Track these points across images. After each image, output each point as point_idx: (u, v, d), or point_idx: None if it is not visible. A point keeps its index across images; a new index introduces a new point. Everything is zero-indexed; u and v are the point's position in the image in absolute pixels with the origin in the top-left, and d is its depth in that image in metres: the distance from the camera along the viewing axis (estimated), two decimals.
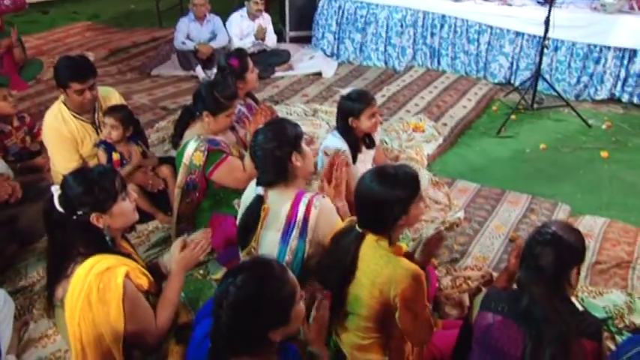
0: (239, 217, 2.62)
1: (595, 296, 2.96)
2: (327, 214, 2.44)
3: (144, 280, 2.21)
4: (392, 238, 2.14)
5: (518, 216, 3.73)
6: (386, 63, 6.68)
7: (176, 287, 2.30)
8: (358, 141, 3.34)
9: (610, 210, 3.88)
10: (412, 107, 5.42)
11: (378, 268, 2.09)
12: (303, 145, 2.50)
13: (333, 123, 4.82)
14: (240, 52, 3.80)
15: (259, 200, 2.48)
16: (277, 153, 2.41)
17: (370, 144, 3.43)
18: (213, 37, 6.34)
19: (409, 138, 4.71)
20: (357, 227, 2.19)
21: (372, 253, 2.13)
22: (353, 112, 3.24)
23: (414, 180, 2.15)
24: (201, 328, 1.98)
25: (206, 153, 3.04)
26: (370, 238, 2.16)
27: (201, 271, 3.19)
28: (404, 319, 2.11)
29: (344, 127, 3.29)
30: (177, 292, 2.31)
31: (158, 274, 2.41)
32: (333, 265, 2.21)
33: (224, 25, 6.38)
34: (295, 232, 2.40)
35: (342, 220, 2.55)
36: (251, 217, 2.49)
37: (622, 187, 4.20)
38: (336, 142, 3.29)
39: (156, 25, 8.49)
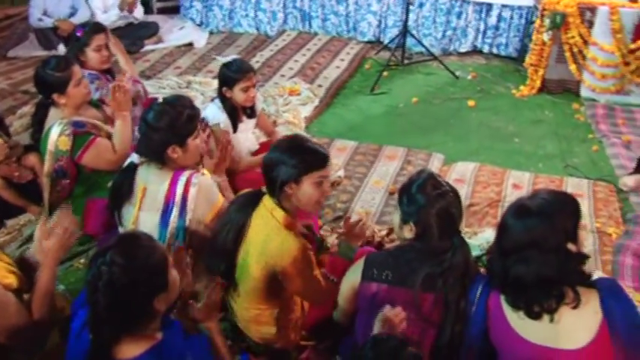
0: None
1: (471, 236, 3.13)
2: (207, 191, 2.39)
3: (12, 279, 2.06)
4: (284, 207, 2.12)
5: (396, 169, 3.86)
6: (257, 29, 6.57)
7: (48, 279, 2.12)
8: (237, 110, 3.25)
9: (479, 155, 4.11)
10: (287, 71, 5.41)
11: (268, 240, 2.08)
12: (191, 140, 2.38)
13: (209, 94, 4.76)
14: (92, 26, 3.55)
15: (132, 168, 2.39)
16: (156, 137, 2.31)
17: (251, 114, 3.36)
18: (74, 11, 5.92)
19: (285, 102, 4.71)
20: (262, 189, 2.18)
21: (264, 223, 2.11)
22: (227, 83, 3.16)
23: (317, 156, 2.11)
24: (78, 318, 1.88)
25: (72, 137, 2.84)
26: (264, 209, 2.13)
27: (82, 260, 3.02)
28: (294, 289, 2.14)
29: (221, 96, 3.22)
30: (50, 284, 2.14)
31: (29, 269, 2.25)
32: (226, 227, 2.18)
33: None
34: (175, 212, 2.34)
35: (223, 195, 2.51)
36: (122, 185, 2.40)
37: (488, 133, 4.46)
38: (215, 111, 3.20)
39: (7, 3, 7.84)
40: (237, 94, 3.17)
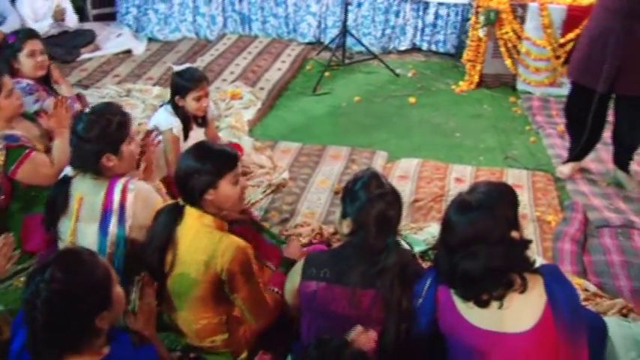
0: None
1: (417, 232, 3.18)
2: (145, 196, 2.35)
3: None
4: (209, 212, 2.13)
5: (340, 168, 3.89)
6: (197, 33, 6.48)
7: None
8: (189, 119, 3.25)
9: (422, 151, 4.18)
10: (228, 75, 5.37)
11: (202, 245, 2.07)
12: (125, 146, 2.34)
13: (150, 101, 4.69)
14: (25, 32, 3.43)
15: (66, 181, 2.34)
16: (88, 147, 2.26)
17: (202, 122, 3.36)
18: (3, 20, 5.71)
19: (228, 107, 4.68)
20: (179, 201, 2.17)
21: (195, 232, 2.10)
22: (180, 91, 3.15)
23: (228, 157, 2.17)
24: (17, 339, 1.81)
25: (5, 151, 2.73)
26: (192, 218, 2.13)
27: (22, 279, 2.90)
28: (238, 293, 2.11)
29: (174, 104, 3.20)
30: None
31: None
32: (153, 243, 2.16)
33: (12, 4, 5.77)
34: (113, 220, 2.29)
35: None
36: (56, 198, 2.34)
37: (430, 129, 4.55)
38: (166, 116, 3.18)
39: None
40: (190, 103, 3.17)
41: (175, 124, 3.17)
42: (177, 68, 3.24)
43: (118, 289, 1.69)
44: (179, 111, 3.19)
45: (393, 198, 2.02)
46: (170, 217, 2.15)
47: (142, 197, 2.33)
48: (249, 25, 6.44)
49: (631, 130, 3.66)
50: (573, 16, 4.90)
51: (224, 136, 3.93)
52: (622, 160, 3.83)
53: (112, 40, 6.35)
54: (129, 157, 2.38)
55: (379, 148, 4.16)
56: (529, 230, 3.33)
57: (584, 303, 2.69)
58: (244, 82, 5.14)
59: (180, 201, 2.18)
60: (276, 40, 6.24)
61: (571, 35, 4.92)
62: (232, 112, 4.59)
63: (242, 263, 2.07)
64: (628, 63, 3.33)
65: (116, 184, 2.31)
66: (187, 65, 3.30)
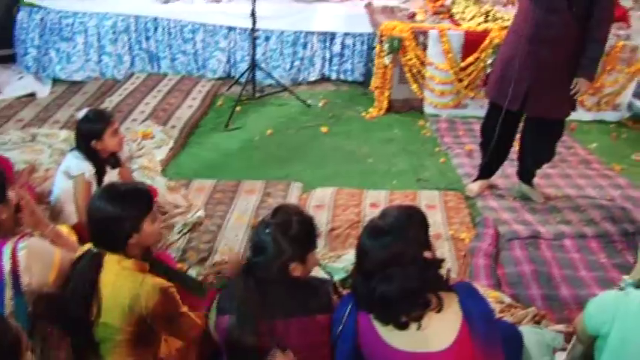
0: None
1: (335, 260, 3.18)
2: (39, 252, 2.15)
3: None
4: (129, 256, 2.08)
5: (255, 203, 3.86)
6: (103, 74, 6.34)
7: None
8: (104, 163, 3.16)
9: (336, 179, 4.22)
10: (138, 115, 5.27)
11: (125, 289, 2.01)
12: (11, 192, 2.23)
13: (57, 146, 4.51)
14: None
15: None
16: None
17: (115, 163, 3.27)
18: None
19: (139, 147, 4.57)
20: (92, 249, 2.10)
21: (116, 275, 2.04)
22: (94, 134, 3.05)
23: (144, 196, 2.14)
24: None
25: None
26: (111, 263, 2.06)
27: None
28: (167, 329, 2.11)
29: (87, 152, 3.08)
30: None
31: None
32: (75, 296, 2.05)
33: None
34: (8, 293, 2.06)
35: (60, 242, 2.37)
36: None
37: (343, 156, 4.61)
38: (76, 162, 3.07)
39: None
40: (109, 141, 3.09)
41: (87, 169, 3.07)
42: (79, 115, 3.16)
43: (28, 356, 1.63)
44: (94, 155, 3.10)
45: (282, 228, 2.00)
46: (90, 267, 2.06)
47: (35, 254, 2.13)
48: (157, 62, 6.36)
49: (536, 148, 3.84)
50: (471, 41, 5.16)
51: (137, 177, 3.83)
52: (526, 176, 4.02)
53: (13, 83, 6.10)
54: (5, 211, 2.23)
55: (294, 179, 4.17)
56: (444, 249, 3.43)
57: (500, 315, 2.79)
58: (155, 121, 5.05)
59: (94, 248, 2.10)
60: (185, 77, 6.20)
61: (470, 59, 5.18)
62: (144, 152, 4.49)
63: (166, 303, 2.04)
64: (534, 86, 3.51)
65: (3, 249, 2.09)
66: (86, 109, 3.22)
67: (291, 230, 1.99)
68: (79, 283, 2.05)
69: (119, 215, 2.05)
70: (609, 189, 4.23)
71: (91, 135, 3.07)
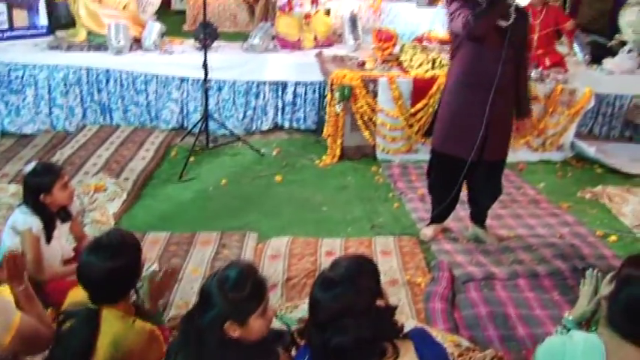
0: None
1: (292, 310, 3.17)
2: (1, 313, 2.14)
3: None
4: (124, 303, 2.16)
5: (211, 254, 3.82)
6: (54, 126, 6.25)
7: None
8: (54, 217, 3.10)
9: (292, 228, 4.22)
10: (91, 168, 5.19)
11: (113, 329, 2.06)
12: None
13: (5, 200, 4.40)
14: None
15: None
16: None
17: (66, 217, 3.20)
18: None
19: (92, 200, 4.51)
20: (89, 305, 2.12)
21: (110, 324, 2.07)
22: (43, 188, 3.00)
23: (137, 247, 2.25)
24: None
25: None
26: (110, 316, 2.09)
27: None
28: None
29: (35, 206, 3.02)
30: None
31: None
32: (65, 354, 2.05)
33: None
34: None
35: (23, 307, 2.30)
36: None
37: (298, 205, 4.62)
38: (23, 217, 3.01)
39: None
40: (59, 195, 3.04)
41: (34, 224, 3.00)
42: (27, 168, 3.11)
43: None
44: (43, 210, 3.04)
45: (219, 283, 1.93)
46: (87, 328, 2.06)
47: None
48: (109, 114, 6.32)
49: (489, 186, 3.94)
50: (419, 88, 5.33)
51: (89, 232, 3.77)
52: (479, 217, 4.11)
53: None
54: None
55: (250, 229, 4.15)
56: (401, 294, 3.44)
57: (459, 359, 2.80)
58: (108, 174, 4.99)
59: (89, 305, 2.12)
60: (138, 129, 6.17)
61: (419, 105, 5.32)
62: (97, 205, 4.42)
63: (152, 345, 2.09)
64: (492, 132, 3.64)
65: None
66: (34, 162, 3.17)
67: (227, 285, 1.90)
68: (76, 340, 2.06)
69: (116, 267, 2.10)
70: (558, 227, 4.36)
71: (40, 189, 3.02)
